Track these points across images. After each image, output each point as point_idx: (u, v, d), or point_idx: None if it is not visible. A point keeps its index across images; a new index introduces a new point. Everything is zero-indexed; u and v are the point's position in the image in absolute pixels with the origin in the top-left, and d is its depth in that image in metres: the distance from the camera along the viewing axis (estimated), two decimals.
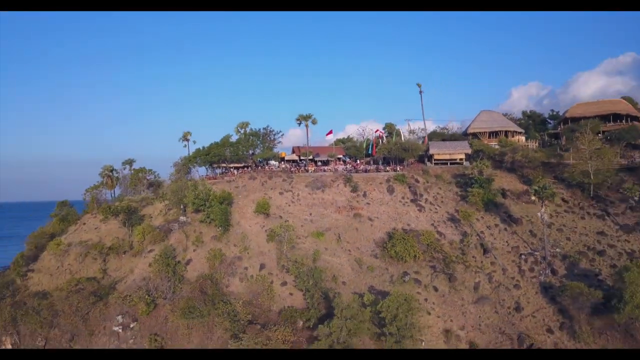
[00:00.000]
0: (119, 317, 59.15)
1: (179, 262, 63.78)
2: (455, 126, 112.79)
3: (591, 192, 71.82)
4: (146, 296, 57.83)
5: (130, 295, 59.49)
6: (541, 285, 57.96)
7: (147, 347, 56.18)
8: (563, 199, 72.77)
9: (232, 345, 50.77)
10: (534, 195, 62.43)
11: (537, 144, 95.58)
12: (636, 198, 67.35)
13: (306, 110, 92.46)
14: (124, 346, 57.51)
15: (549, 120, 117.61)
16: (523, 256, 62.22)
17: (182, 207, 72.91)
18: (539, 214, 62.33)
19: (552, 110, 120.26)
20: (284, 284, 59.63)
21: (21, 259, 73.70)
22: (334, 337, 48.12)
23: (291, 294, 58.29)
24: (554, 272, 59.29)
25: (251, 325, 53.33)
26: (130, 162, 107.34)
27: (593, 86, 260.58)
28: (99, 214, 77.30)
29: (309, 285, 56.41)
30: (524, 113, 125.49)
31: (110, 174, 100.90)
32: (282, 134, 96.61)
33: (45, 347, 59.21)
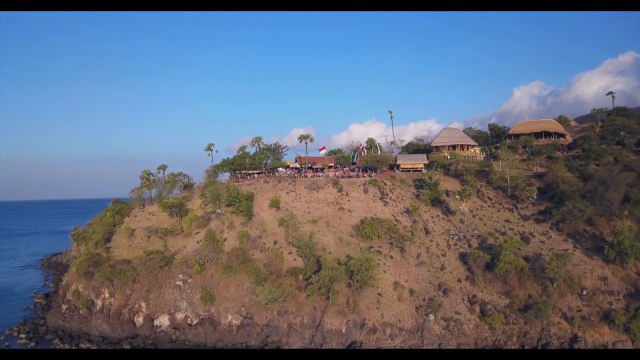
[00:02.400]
0: (180, 275, 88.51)
1: (218, 240, 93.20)
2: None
3: (509, 193, 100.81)
4: (199, 260, 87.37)
5: (187, 261, 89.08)
6: (460, 254, 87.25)
7: (200, 295, 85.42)
8: (489, 197, 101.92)
9: (258, 290, 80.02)
10: (457, 195, 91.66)
11: (484, 155, 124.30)
12: (535, 196, 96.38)
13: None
14: (184, 295, 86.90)
15: (502, 135, 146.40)
16: (451, 236, 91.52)
17: (217, 202, 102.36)
18: (461, 207, 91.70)
19: (504, 126, 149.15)
20: (290, 253, 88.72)
21: (102, 239, 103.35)
22: (321, 282, 77.59)
23: (295, 259, 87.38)
24: (469, 245, 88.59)
25: (269, 277, 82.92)
26: (163, 167, 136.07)
27: (595, 86, 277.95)
28: (159, 208, 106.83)
29: (306, 253, 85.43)
30: (489, 126, 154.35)
31: (148, 177, 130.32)
32: (288, 148, 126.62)
33: (131, 296, 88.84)
